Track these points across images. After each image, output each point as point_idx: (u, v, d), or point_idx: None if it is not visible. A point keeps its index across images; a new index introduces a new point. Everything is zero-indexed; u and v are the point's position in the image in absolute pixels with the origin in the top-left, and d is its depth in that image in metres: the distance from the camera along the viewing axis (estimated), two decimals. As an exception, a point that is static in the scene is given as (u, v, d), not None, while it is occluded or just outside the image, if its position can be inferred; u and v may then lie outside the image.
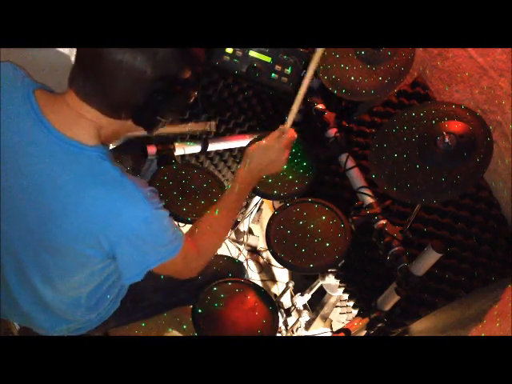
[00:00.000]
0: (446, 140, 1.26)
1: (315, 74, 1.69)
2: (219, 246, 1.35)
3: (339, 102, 1.86)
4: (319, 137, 1.81)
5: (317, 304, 2.23)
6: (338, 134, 1.74)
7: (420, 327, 1.68)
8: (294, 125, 1.33)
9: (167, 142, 1.81)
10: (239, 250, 2.46)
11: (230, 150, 2.22)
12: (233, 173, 2.35)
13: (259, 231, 2.56)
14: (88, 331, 1.41)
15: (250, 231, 2.53)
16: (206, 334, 1.46)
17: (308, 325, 2.21)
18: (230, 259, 1.80)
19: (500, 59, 1.46)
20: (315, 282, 2.09)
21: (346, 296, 2.02)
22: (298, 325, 2.13)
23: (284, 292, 2.17)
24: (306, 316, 2.14)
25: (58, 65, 1.62)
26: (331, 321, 2.29)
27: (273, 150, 1.28)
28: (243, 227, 2.44)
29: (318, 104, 1.80)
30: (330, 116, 1.79)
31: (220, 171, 2.30)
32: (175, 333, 2.11)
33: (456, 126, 1.27)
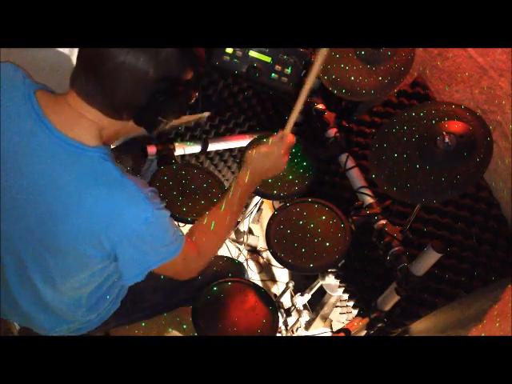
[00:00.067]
0: (446, 140, 1.26)
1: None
2: (219, 248, 1.35)
3: (339, 102, 1.86)
4: (319, 137, 1.81)
5: (317, 304, 2.22)
6: (337, 134, 1.74)
7: (420, 327, 1.68)
8: (294, 125, 1.33)
9: (167, 142, 1.81)
10: (239, 250, 2.46)
11: (230, 150, 2.22)
12: (233, 173, 2.35)
13: (259, 231, 2.56)
14: (88, 331, 1.41)
15: (250, 231, 2.53)
16: (205, 334, 1.46)
17: (308, 325, 2.21)
18: (230, 260, 1.80)
19: (500, 59, 1.46)
20: (315, 282, 2.09)
21: (346, 296, 2.02)
22: (297, 325, 2.13)
23: (284, 292, 2.17)
24: (306, 316, 2.14)
25: (58, 65, 1.62)
26: (331, 321, 2.29)
27: (273, 154, 1.28)
28: (243, 227, 2.44)
29: (317, 104, 1.80)
30: (329, 116, 1.79)
31: (220, 171, 2.30)
32: (175, 333, 2.11)
33: (456, 126, 1.27)
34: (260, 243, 2.50)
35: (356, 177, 1.68)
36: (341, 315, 2.31)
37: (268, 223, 1.65)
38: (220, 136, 2.09)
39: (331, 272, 2.00)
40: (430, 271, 1.41)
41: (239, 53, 1.68)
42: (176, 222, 1.71)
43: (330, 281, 2.02)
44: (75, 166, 1.03)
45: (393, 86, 1.54)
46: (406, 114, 1.40)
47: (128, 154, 1.80)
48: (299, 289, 2.18)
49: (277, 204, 2.40)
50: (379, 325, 1.64)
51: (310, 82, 1.23)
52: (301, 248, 1.57)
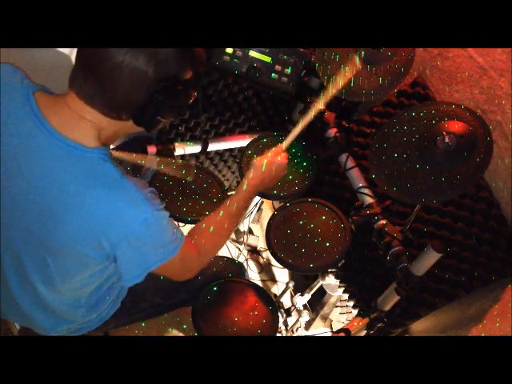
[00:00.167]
0: (446, 140, 1.26)
1: (315, 75, 1.70)
2: (219, 249, 1.36)
3: (339, 102, 1.86)
4: (319, 137, 1.81)
5: (317, 304, 2.22)
6: (338, 134, 1.74)
7: (420, 327, 1.68)
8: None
9: (167, 142, 1.81)
10: (239, 250, 2.46)
11: (230, 150, 2.22)
12: (233, 173, 2.35)
13: (259, 231, 2.56)
14: (88, 331, 1.41)
15: (250, 231, 2.53)
16: (205, 334, 1.46)
17: (308, 325, 2.21)
18: (230, 260, 1.80)
19: (500, 59, 1.46)
20: (315, 282, 2.09)
21: (346, 296, 2.02)
22: (297, 325, 2.13)
23: (284, 292, 2.17)
24: (306, 316, 2.14)
25: (57, 65, 1.62)
26: (331, 321, 2.29)
27: (278, 166, 1.37)
28: (243, 227, 2.44)
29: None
30: (329, 116, 1.79)
31: (220, 171, 2.30)
32: (175, 333, 2.11)
33: (456, 126, 1.27)
34: (260, 243, 2.50)
35: (356, 177, 1.68)
36: (341, 315, 2.30)
37: (268, 223, 1.65)
38: (220, 136, 2.09)
39: (331, 272, 2.00)
40: (430, 271, 1.41)
41: (239, 53, 1.67)
42: (176, 222, 1.72)
43: (330, 281, 2.02)
44: (75, 167, 1.03)
45: (393, 86, 1.54)
46: (405, 114, 1.40)
47: (128, 154, 1.79)
48: (299, 289, 2.18)
49: (277, 204, 2.40)
50: (379, 325, 1.64)
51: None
52: (301, 248, 1.57)
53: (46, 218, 1.06)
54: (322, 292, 2.14)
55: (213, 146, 1.91)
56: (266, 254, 2.49)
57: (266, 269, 2.48)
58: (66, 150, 1.03)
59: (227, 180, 2.35)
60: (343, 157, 1.72)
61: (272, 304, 1.57)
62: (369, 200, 1.61)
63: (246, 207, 2.31)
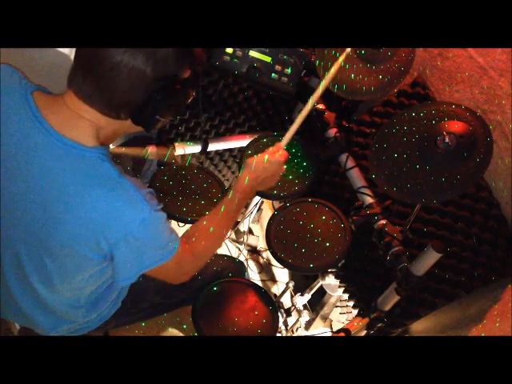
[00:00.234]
0: (446, 140, 1.26)
1: (315, 75, 1.70)
2: (214, 252, 1.35)
3: (339, 101, 1.86)
4: (319, 137, 1.81)
5: (317, 304, 2.22)
6: (338, 134, 1.74)
7: (420, 327, 1.68)
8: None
9: (167, 142, 1.81)
10: (239, 249, 2.46)
11: (230, 150, 2.22)
12: (233, 173, 2.35)
13: (259, 231, 2.56)
14: (88, 331, 1.41)
15: (250, 231, 2.53)
16: (205, 334, 1.46)
17: (308, 325, 2.21)
18: (230, 259, 1.80)
19: (500, 59, 1.46)
20: (315, 282, 2.09)
21: (346, 296, 2.02)
22: (297, 325, 2.13)
23: (284, 292, 2.17)
24: (306, 316, 2.14)
25: (57, 65, 1.62)
26: (331, 321, 2.29)
27: (273, 164, 1.31)
28: (243, 227, 2.44)
29: (317, 104, 1.80)
30: (330, 116, 1.79)
31: (220, 171, 2.30)
32: (175, 333, 2.11)
33: (456, 126, 1.28)
34: (260, 243, 2.50)
35: (356, 177, 1.68)
36: (341, 315, 2.30)
37: (268, 223, 1.65)
38: (220, 136, 2.09)
39: (331, 272, 2.00)
40: (430, 271, 1.41)
41: (239, 53, 1.68)
42: (176, 222, 1.72)
43: (330, 281, 2.02)
44: (73, 166, 1.03)
45: (393, 86, 1.54)
46: (406, 114, 1.40)
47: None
48: (299, 289, 2.18)
49: (277, 204, 2.40)
50: (379, 325, 1.64)
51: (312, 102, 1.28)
52: (301, 248, 1.57)
53: (45, 218, 1.06)
54: (322, 292, 2.14)
55: (213, 146, 1.92)
56: (266, 254, 2.49)
57: (266, 269, 2.48)
58: (64, 150, 1.03)
59: (227, 180, 2.35)
60: (343, 157, 1.72)
61: (272, 304, 1.57)
62: (369, 200, 1.61)
63: (246, 206, 2.32)
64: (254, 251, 2.51)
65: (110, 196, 1.03)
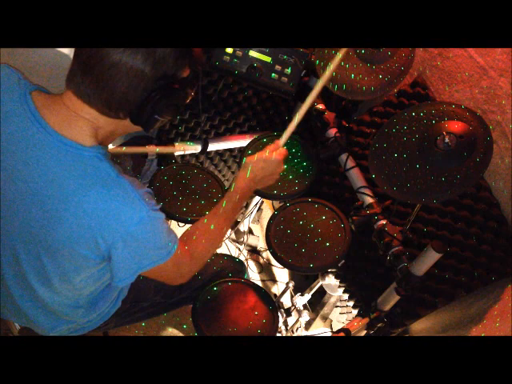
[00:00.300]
0: (446, 140, 1.26)
1: (315, 75, 1.70)
2: (212, 253, 1.34)
3: (339, 101, 1.86)
4: (319, 137, 1.81)
5: (317, 304, 2.23)
6: (338, 134, 1.74)
7: (420, 327, 1.68)
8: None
9: (167, 142, 1.81)
10: (239, 250, 2.46)
11: (230, 150, 2.22)
12: (233, 173, 2.35)
13: (259, 231, 2.56)
14: (88, 331, 1.41)
15: (250, 231, 2.53)
16: (205, 334, 1.46)
17: (308, 325, 2.21)
18: (230, 258, 1.80)
19: (500, 59, 1.46)
20: (315, 282, 2.09)
21: (346, 296, 2.02)
22: (297, 325, 2.13)
23: (284, 292, 2.17)
24: (306, 316, 2.14)
25: (57, 65, 1.62)
26: (331, 321, 2.29)
27: (271, 162, 1.31)
28: (243, 227, 2.44)
29: (317, 104, 1.80)
30: (329, 116, 1.79)
31: (220, 171, 2.30)
32: (175, 333, 2.11)
33: (456, 126, 1.28)
34: (260, 243, 2.50)
35: (356, 177, 1.68)
36: (341, 315, 2.31)
37: (268, 223, 1.65)
38: (220, 136, 2.09)
39: (331, 272, 2.00)
40: (430, 271, 1.41)
41: (239, 53, 1.68)
42: (176, 222, 1.72)
43: (330, 281, 2.02)
44: (71, 166, 1.03)
45: (393, 86, 1.54)
46: (405, 114, 1.40)
47: (128, 154, 1.80)
48: (299, 289, 2.18)
49: (277, 204, 2.40)
50: (379, 325, 1.64)
51: (309, 100, 1.28)
52: (301, 248, 1.57)
53: (43, 217, 1.06)
54: (322, 292, 2.14)
55: (213, 146, 1.92)
56: (266, 254, 2.50)
57: (266, 269, 2.48)
58: (62, 149, 1.03)
59: (227, 180, 2.35)
60: (343, 157, 1.72)
61: (272, 304, 1.57)
62: (369, 200, 1.61)
63: (246, 206, 2.32)
64: (254, 251, 2.51)
65: (107, 195, 1.03)
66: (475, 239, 1.56)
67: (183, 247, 1.21)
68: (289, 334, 2.12)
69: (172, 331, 2.11)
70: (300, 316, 2.13)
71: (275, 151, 1.32)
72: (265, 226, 1.66)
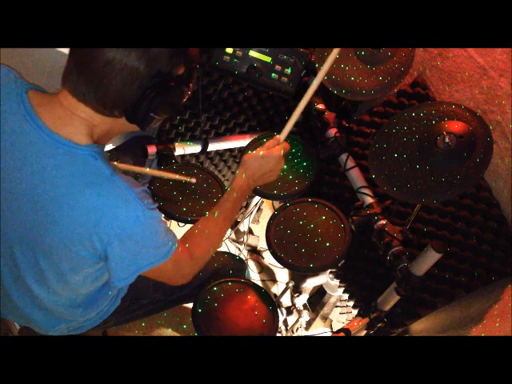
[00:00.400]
0: (446, 140, 1.26)
1: (315, 75, 1.70)
2: (212, 253, 1.33)
3: (339, 101, 1.86)
4: (319, 137, 1.81)
5: (317, 304, 2.23)
6: (338, 134, 1.74)
7: (420, 327, 1.68)
8: (294, 125, 1.33)
9: (167, 142, 1.81)
10: (239, 250, 2.46)
11: (230, 150, 2.22)
12: (233, 173, 2.35)
13: (259, 231, 2.56)
14: (88, 330, 1.41)
15: (250, 231, 2.53)
16: (205, 334, 1.46)
17: (308, 325, 2.21)
18: (231, 256, 1.79)
19: (500, 59, 1.46)
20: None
21: (346, 296, 2.02)
22: (297, 325, 2.13)
23: (284, 292, 2.17)
24: (306, 316, 2.14)
25: (57, 65, 1.62)
26: (331, 321, 2.29)
27: (269, 159, 1.29)
28: (243, 227, 2.44)
29: (317, 104, 1.80)
30: (329, 116, 1.79)
31: (220, 171, 2.30)
32: (175, 333, 2.11)
33: (456, 126, 1.28)
34: (260, 243, 2.50)
35: (356, 177, 1.68)
36: (341, 315, 2.31)
37: (268, 223, 1.65)
38: (220, 136, 2.09)
39: (331, 272, 2.00)
40: (430, 271, 1.41)
41: (239, 53, 1.68)
42: (176, 223, 1.72)
43: (330, 281, 2.02)
44: (66, 164, 1.03)
45: (393, 86, 1.54)
46: (405, 114, 1.40)
47: (128, 154, 1.79)
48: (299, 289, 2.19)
49: (277, 204, 2.40)
50: (379, 325, 1.64)
51: (310, 93, 1.27)
52: (301, 248, 1.57)
53: (38, 216, 1.06)
54: (322, 292, 2.14)
55: (213, 146, 1.92)
56: (266, 254, 2.50)
57: (265, 269, 2.48)
58: (57, 148, 1.03)
59: (227, 180, 2.36)
60: (343, 157, 1.72)
61: (272, 304, 1.57)
62: (369, 200, 1.61)
63: (246, 206, 2.32)
64: (254, 251, 2.51)
65: (102, 194, 1.02)
66: (475, 239, 1.56)
67: (183, 247, 1.21)
68: (289, 334, 2.12)
69: (172, 331, 2.11)
70: (300, 316, 2.13)
71: (274, 148, 1.30)
72: (265, 226, 1.66)
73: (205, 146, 1.88)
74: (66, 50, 1.04)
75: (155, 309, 1.61)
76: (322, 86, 1.71)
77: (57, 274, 1.15)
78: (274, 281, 2.45)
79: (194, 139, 2.01)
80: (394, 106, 1.81)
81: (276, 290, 2.42)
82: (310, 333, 2.18)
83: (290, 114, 1.32)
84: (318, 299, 2.21)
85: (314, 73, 1.70)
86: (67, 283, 1.18)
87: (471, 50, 1.55)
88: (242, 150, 1.81)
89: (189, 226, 1.39)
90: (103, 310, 1.39)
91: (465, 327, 1.54)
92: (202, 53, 1.67)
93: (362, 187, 1.64)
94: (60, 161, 1.03)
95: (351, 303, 1.99)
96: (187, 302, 1.60)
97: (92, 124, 1.06)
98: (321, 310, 2.19)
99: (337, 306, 2.25)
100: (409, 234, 1.52)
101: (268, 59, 1.69)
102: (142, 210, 1.04)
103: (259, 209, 2.54)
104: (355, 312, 1.93)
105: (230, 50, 1.68)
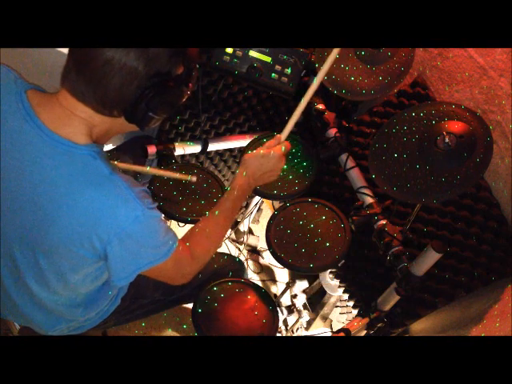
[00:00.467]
0: (446, 140, 1.26)
1: (315, 75, 1.70)
2: (213, 252, 1.34)
3: (339, 101, 1.86)
4: (319, 137, 1.81)
5: (317, 304, 2.23)
6: (338, 134, 1.74)
7: (420, 327, 1.68)
8: (294, 125, 1.34)
9: (167, 142, 1.81)
10: (239, 250, 2.46)
11: (230, 150, 2.22)
12: (233, 173, 2.35)
13: (259, 231, 2.56)
14: (88, 329, 1.41)
15: (250, 231, 2.53)
16: (205, 334, 1.46)
17: (308, 325, 2.21)
18: (230, 257, 1.80)
19: (500, 59, 1.46)
20: (315, 282, 2.09)
21: (346, 296, 2.02)
22: (298, 325, 2.13)
23: (284, 292, 2.17)
24: (306, 316, 2.14)
25: (57, 65, 1.62)
26: (331, 321, 2.29)
27: (270, 158, 1.30)
28: (243, 227, 2.44)
29: (317, 104, 1.80)
30: (329, 116, 1.79)
31: (220, 171, 2.30)
32: (175, 333, 2.11)
33: (456, 126, 1.28)
34: (260, 243, 2.50)
35: (356, 177, 1.68)
36: (341, 315, 2.31)
37: (268, 223, 1.65)
38: (220, 136, 2.09)
39: (331, 272, 2.00)
40: (430, 271, 1.41)
41: (239, 53, 1.68)
42: (176, 223, 1.72)
43: (330, 281, 2.02)
44: (66, 164, 1.03)
45: (393, 86, 1.54)
46: (405, 114, 1.40)
47: (128, 154, 1.80)
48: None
49: (277, 204, 2.40)
50: (379, 325, 1.64)
51: (310, 93, 1.27)
52: (301, 248, 1.57)
53: (38, 216, 1.06)
54: (322, 292, 2.14)
55: (213, 146, 1.92)
56: (266, 254, 2.49)
57: (265, 269, 2.48)
58: (56, 147, 1.03)
59: (227, 180, 2.36)
60: (343, 157, 1.72)
61: (272, 304, 1.57)
62: (369, 200, 1.61)
63: (246, 206, 2.32)
64: (254, 251, 2.51)
65: (101, 193, 1.03)
66: (475, 239, 1.56)
67: (184, 246, 1.21)
68: (289, 334, 2.12)
69: (172, 331, 2.11)
70: (300, 316, 2.13)
71: (274, 147, 1.30)
72: (265, 226, 1.66)
73: (205, 146, 1.88)
74: (65, 50, 1.04)
75: (155, 309, 1.61)
76: (322, 85, 1.71)
77: (57, 273, 1.15)
78: (274, 281, 2.45)
79: (193, 139, 2.00)
80: (394, 106, 1.81)
81: (276, 290, 2.42)
82: (310, 333, 2.18)
83: (290, 114, 1.32)
84: (317, 299, 2.21)
85: (314, 73, 1.70)
86: (67, 283, 1.18)
87: (471, 50, 1.55)
88: (242, 150, 1.81)
89: (189, 226, 1.39)
90: (103, 310, 1.39)
91: (465, 327, 1.54)
92: (201, 53, 1.66)
93: (361, 187, 1.64)
94: (59, 160, 1.03)
95: (351, 303, 1.99)
96: (187, 302, 1.60)
97: (91, 124, 1.06)
98: (321, 310, 2.19)
99: (337, 306, 2.25)
100: (409, 234, 1.52)
101: (268, 59, 1.69)
102: (141, 210, 1.04)
103: (259, 209, 2.54)
104: (355, 312, 1.93)
105: (230, 50, 1.68)
